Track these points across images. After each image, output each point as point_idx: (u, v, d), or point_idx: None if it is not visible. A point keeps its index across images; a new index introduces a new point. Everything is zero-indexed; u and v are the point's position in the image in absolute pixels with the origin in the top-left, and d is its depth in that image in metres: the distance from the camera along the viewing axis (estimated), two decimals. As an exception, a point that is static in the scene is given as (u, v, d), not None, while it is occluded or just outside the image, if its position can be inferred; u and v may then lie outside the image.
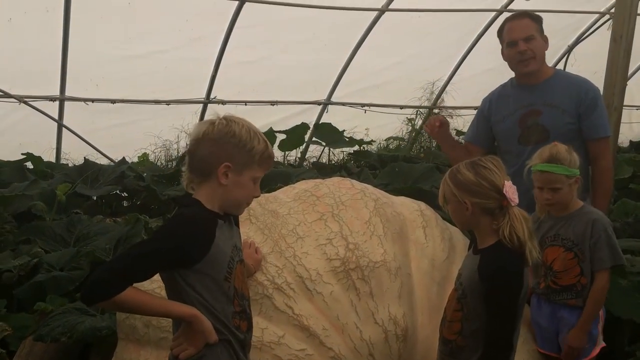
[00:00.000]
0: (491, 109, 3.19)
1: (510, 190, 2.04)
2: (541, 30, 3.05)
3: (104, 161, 6.93)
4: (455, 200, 2.09)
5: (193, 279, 1.84)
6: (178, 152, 7.50)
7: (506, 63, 3.15)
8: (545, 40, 3.06)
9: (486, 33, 7.83)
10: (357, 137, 8.18)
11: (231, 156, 1.87)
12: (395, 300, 2.39)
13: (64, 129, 6.99)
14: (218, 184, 1.89)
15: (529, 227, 2.06)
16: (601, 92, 3.27)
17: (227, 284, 1.91)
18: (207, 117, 7.32)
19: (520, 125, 3.06)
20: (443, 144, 3.37)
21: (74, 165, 6.53)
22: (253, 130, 1.92)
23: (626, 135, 9.49)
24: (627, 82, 3.92)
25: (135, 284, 1.81)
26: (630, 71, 4.18)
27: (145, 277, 1.84)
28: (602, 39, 4.64)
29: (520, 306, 2.06)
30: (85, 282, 1.81)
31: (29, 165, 6.40)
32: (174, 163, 7.21)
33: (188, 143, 1.92)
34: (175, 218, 1.90)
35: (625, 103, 3.91)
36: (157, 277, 1.94)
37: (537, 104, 3.03)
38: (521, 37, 3.00)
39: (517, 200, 2.05)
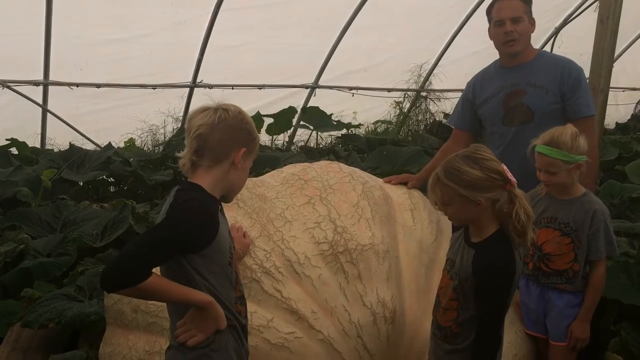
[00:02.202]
0: (475, 92, 3.19)
1: (509, 171, 2.01)
2: (529, 12, 3.04)
3: (89, 146, 6.86)
4: (463, 201, 1.99)
5: (199, 263, 1.83)
6: (165, 137, 7.44)
7: (493, 45, 3.14)
8: (532, 22, 3.06)
9: (474, 15, 7.81)
10: (345, 120, 8.16)
11: (246, 142, 1.93)
12: (384, 283, 2.40)
13: (48, 114, 6.91)
14: (229, 168, 1.91)
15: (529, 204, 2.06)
16: (587, 74, 3.25)
17: (230, 269, 1.92)
18: (199, 101, 7.25)
19: (504, 106, 3.06)
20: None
21: (60, 150, 6.46)
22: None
23: (612, 117, 9.56)
24: (614, 64, 3.93)
25: None
26: (616, 53, 4.18)
27: (162, 263, 1.81)
28: (589, 20, 4.64)
29: (510, 297, 2.05)
30: (107, 269, 1.74)
31: (14, 150, 6.33)
32: (161, 148, 7.15)
33: (196, 128, 1.88)
34: (187, 202, 1.83)
35: (611, 85, 3.91)
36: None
37: (521, 84, 3.03)
38: (509, 17, 2.99)
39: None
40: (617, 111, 10.18)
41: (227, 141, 1.89)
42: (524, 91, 3.01)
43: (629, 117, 10.52)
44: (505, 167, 2.02)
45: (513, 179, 2.00)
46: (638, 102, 10.80)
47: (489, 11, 3.12)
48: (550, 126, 2.55)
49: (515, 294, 2.65)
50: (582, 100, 2.96)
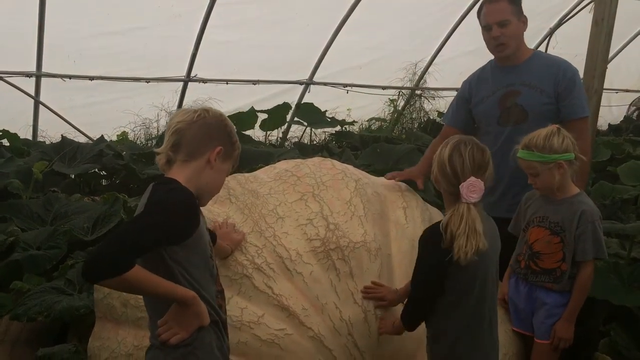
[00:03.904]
0: (471, 91, 3.20)
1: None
2: (518, 12, 3.01)
3: (82, 139, 6.83)
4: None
5: (181, 255, 1.78)
6: (158, 131, 7.42)
7: (486, 44, 3.15)
8: (524, 21, 3.03)
9: (469, 14, 7.82)
10: (339, 117, 8.16)
11: (223, 142, 1.92)
12: (375, 280, 2.39)
13: (40, 106, 6.87)
14: (204, 166, 1.88)
15: None
16: (582, 75, 3.25)
17: (211, 262, 1.90)
18: (193, 95, 7.26)
19: (500, 106, 3.06)
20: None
21: (51, 143, 6.43)
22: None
23: (605, 118, 9.60)
24: (607, 66, 3.93)
25: None
26: (610, 54, 4.19)
27: (146, 253, 1.72)
28: (584, 21, 4.65)
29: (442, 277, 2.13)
30: (90, 258, 1.64)
31: (5, 142, 6.30)
32: (154, 142, 7.12)
33: (174, 124, 1.89)
34: (170, 192, 1.79)
35: (605, 86, 3.92)
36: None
37: (516, 84, 3.03)
38: (495, 21, 2.99)
39: None
40: (610, 112, 10.23)
41: (204, 138, 1.88)
42: (518, 91, 3.01)
43: (621, 119, 10.57)
44: None
45: None
46: (631, 103, 10.85)
47: (478, 14, 3.12)
48: (544, 126, 2.55)
49: (503, 294, 2.68)
50: (577, 102, 2.96)
